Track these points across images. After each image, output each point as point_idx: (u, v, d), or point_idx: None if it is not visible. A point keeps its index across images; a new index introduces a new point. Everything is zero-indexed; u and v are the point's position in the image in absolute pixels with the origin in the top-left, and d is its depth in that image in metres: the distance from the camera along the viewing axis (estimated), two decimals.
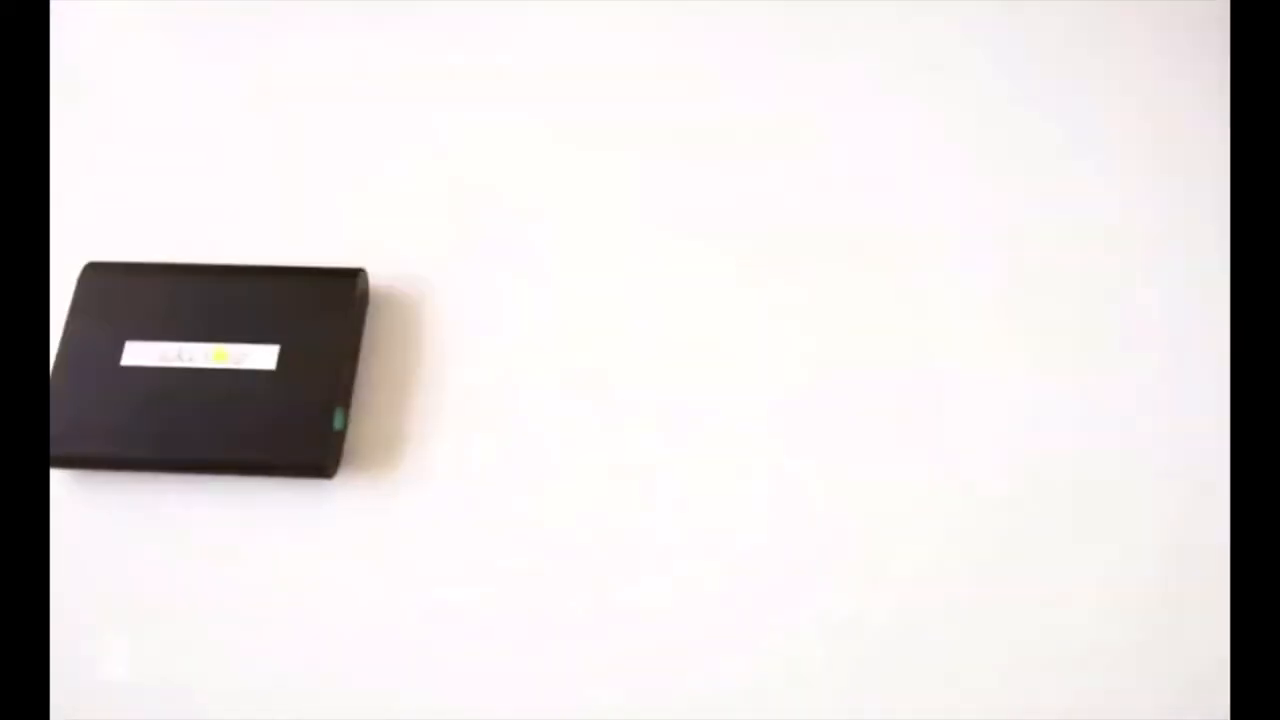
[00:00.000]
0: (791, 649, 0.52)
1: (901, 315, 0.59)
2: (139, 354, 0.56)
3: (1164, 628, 0.52)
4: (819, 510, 0.54)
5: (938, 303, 0.59)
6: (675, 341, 0.59)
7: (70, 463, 0.56)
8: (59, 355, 0.57)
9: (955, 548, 0.53)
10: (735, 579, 0.53)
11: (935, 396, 0.57)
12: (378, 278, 0.61)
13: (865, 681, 0.51)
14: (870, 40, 0.67)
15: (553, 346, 0.59)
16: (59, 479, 0.56)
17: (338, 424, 0.56)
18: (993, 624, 0.52)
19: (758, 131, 0.65)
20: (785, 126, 0.65)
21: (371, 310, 0.60)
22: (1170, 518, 0.54)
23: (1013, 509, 0.54)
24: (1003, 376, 0.57)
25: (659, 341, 0.59)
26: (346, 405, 0.57)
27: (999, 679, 0.50)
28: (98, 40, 0.70)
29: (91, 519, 0.56)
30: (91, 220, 0.64)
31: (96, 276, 0.59)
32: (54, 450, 0.54)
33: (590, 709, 0.51)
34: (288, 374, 0.56)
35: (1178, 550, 0.53)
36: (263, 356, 0.56)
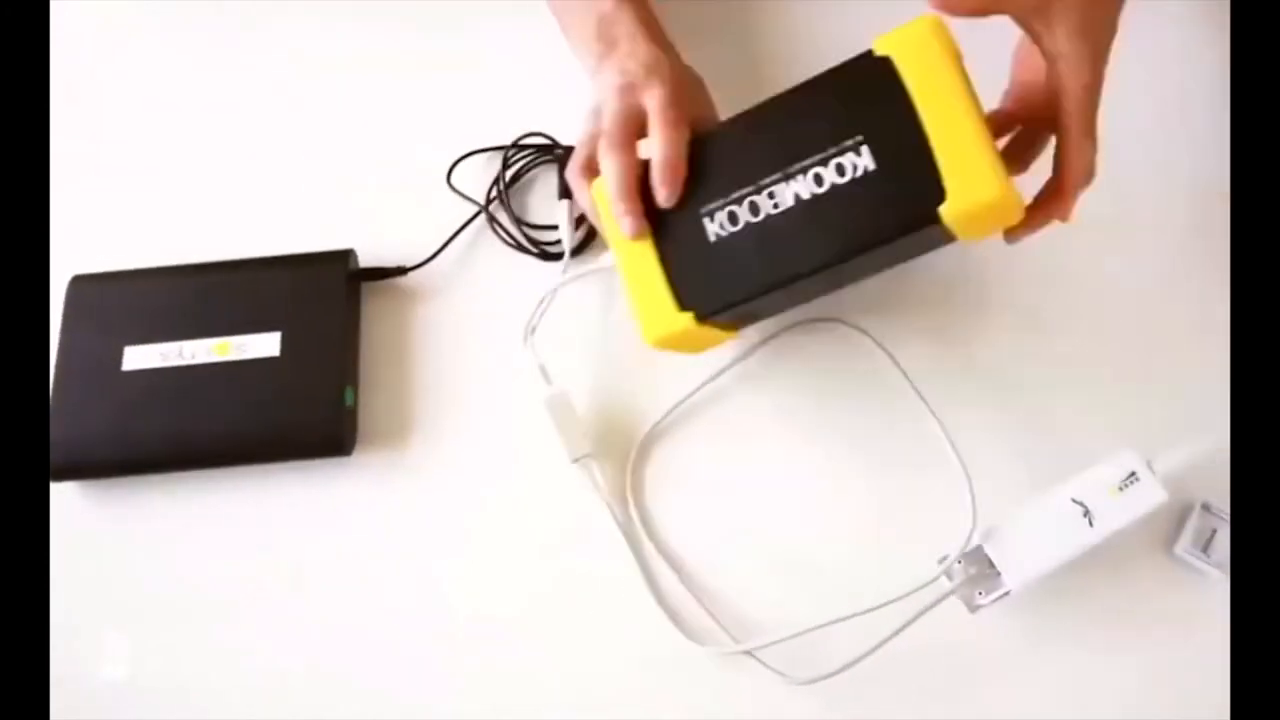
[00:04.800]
0: None
1: None
2: (139, 358, 0.56)
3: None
4: None
5: None
6: None
7: (86, 473, 0.55)
8: (58, 370, 0.56)
9: None
10: None
11: None
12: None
13: None
14: None
15: None
16: (77, 491, 0.56)
17: (348, 401, 0.56)
18: None
19: None
20: None
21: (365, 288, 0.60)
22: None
23: None
24: None
25: None
26: (354, 382, 0.57)
27: None
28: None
29: (114, 528, 0.55)
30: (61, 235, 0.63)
31: (84, 288, 0.58)
32: (68, 463, 0.54)
33: (605, 669, 0.52)
34: (293, 358, 0.56)
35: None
36: (265, 344, 0.56)
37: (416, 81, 0.66)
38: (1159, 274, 0.58)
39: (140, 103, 0.67)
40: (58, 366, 0.56)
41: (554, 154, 0.63)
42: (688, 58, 0.56)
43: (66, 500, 0.56)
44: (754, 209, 0.47)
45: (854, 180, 0.45)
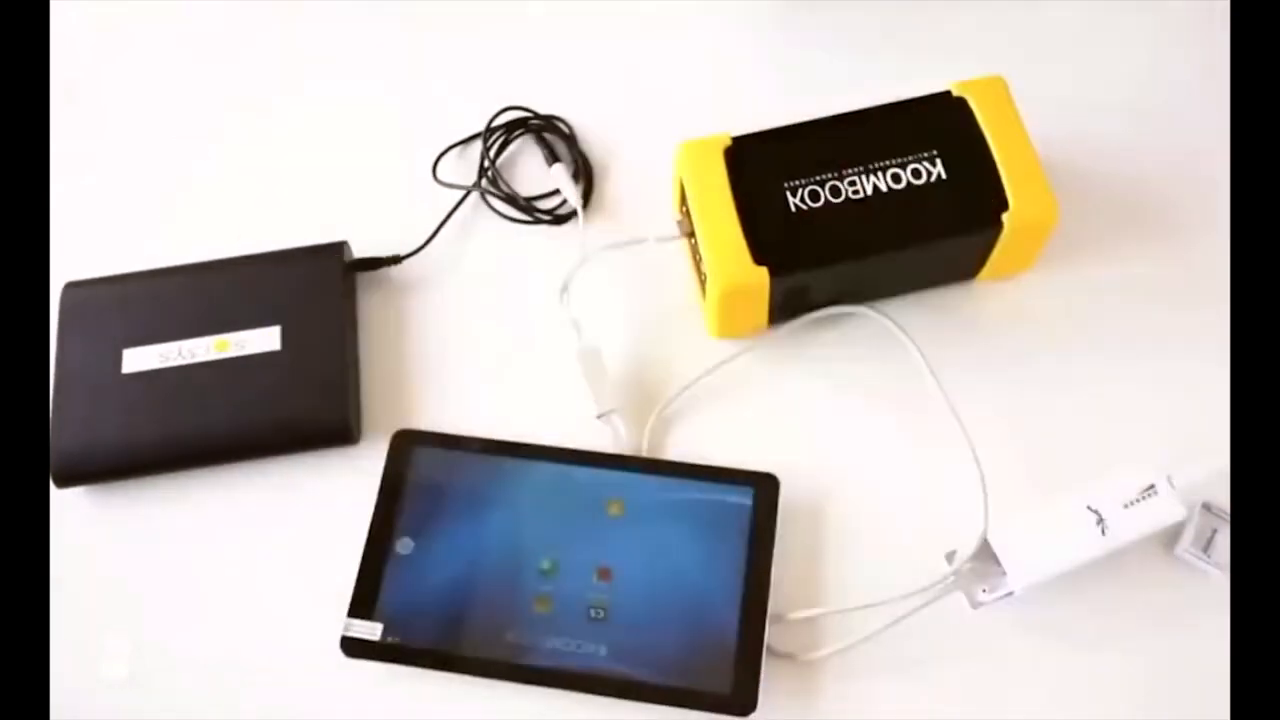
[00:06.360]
0: None
1: None
2: (139, 360, 0.56)
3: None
4: None
5: None
6: None
7: (92, 478, 0.55)
8: (57, 377, 0.56)
9: None
10: None
11: None
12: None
13: None
14: None
15: None
16: (79, 491, 0.56)
17: (352, 389, 0.56)
18: None
19: None
20: None
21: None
22: None
23: None
24: None
25: None
26: (356, 371, 0.57)
27: None
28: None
29: (115, 527, 0.55)
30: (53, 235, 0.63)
31: (77, 293, 0.58)
32: (74, 470, 0.54)
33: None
34: (294, 350, 0.56)
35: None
36: (265, 339, 0.56)
37: (401, 78, 0.67)
38: (1174, 278, 0.59)
39: (118, 103, 0.67)
40: (57, 374, 0.56)
41: (529, 124, 0.65)
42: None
43: (68, 500, 0.55)
44: (835, 191, 0.53)
45: (928, 184, 0.53)
